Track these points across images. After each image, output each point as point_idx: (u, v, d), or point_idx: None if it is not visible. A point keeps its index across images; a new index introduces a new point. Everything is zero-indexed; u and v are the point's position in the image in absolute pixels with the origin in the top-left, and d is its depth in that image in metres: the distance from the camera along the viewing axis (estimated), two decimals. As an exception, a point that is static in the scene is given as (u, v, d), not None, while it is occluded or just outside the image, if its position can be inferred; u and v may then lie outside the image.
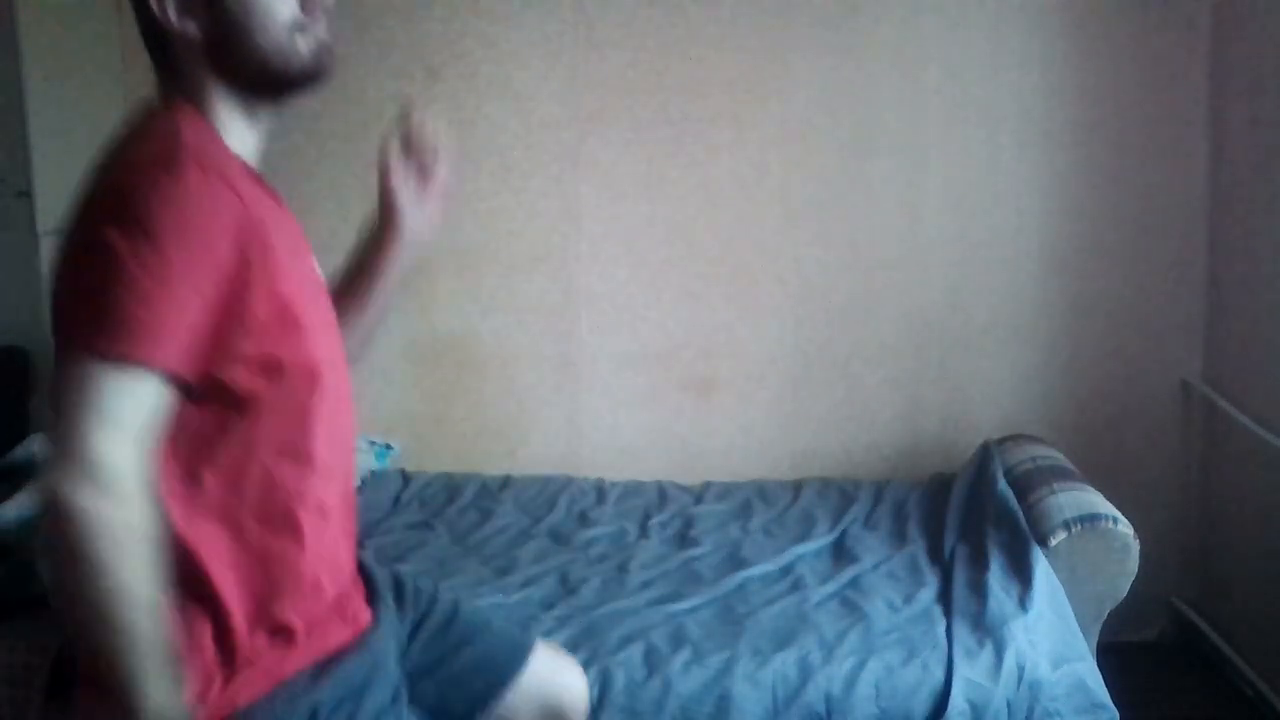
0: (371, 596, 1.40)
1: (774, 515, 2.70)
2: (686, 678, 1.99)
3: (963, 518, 2.54)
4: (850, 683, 1.98)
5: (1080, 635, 2.13)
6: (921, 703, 1.97)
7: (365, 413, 2.92)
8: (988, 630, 2.06)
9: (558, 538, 2.60)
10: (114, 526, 1.04)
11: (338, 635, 1.31)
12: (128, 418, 1.06)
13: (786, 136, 2.91)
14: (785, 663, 2.01)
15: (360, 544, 2.55)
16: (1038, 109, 2.87)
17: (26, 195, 2.66)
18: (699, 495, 2.83)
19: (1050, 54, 2.85)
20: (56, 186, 2.63)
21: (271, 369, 1.18)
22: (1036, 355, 2.95)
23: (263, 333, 1.15)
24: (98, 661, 1.08)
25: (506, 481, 2.90)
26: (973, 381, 2.96)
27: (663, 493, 2.84)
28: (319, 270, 1.36)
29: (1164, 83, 2.84)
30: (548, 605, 2.24)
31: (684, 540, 2.57)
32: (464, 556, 2.49)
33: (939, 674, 1.99)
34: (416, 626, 1.47)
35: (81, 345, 1.06)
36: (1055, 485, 2.43)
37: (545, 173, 2.93)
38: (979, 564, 2.29)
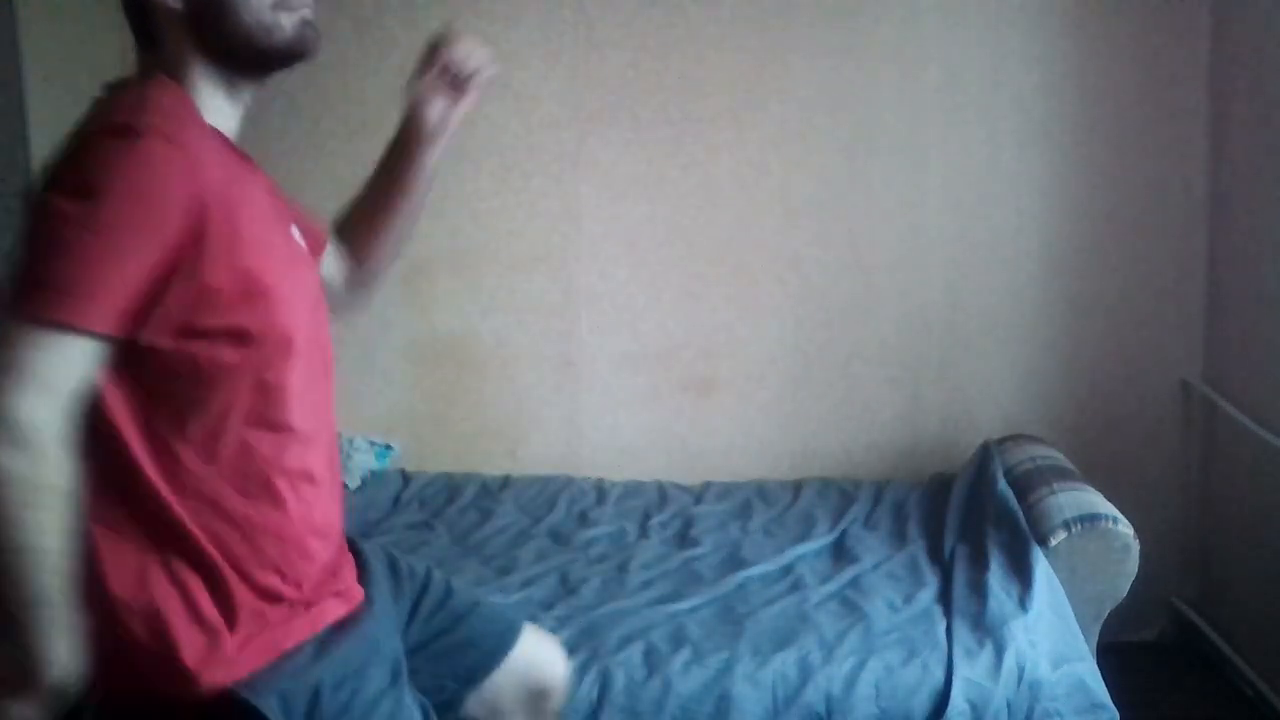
0: (364, 574, 1.42)
1: (774, 515, 2.70)
2: (686, 678, 1.99)
3: (963, 518, 2.54)
4: (850, 683, 1.98)
5: (1080, 635, 2.13)
6: (921, 703, 1.97)
7: (365, 413, 2.96)
8: (988, 630, 2.06)
9: (558, 538, 2.60)
10: (26, 483, 1.07)
11: (334, 610, 1.33)
12: (52, 378, 1.09)
13: (786, 136, 2.91)
14: (785, 663, 2.01)
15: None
16: (1038, 109, 2.87)
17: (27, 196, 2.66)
18: (699, 495, 2.83)
19: (1050, 54, 2.85)
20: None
21: (239, 340, 1.19)
22: (1036, 355, 2.95)
23: (226, 304, 1.17)
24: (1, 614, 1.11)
25: (506, 481, 2.90)
26: (973, 381, 2.96)
27: (663, 493, 2.84)
28: (298, 240, 1.36)
29: (1164, 83, 2.84)
30: (548, 605, 2.24)
31: (684, 540, 2.57)
32: (464, 556, 2.49)
33: (939, 674, 1.99)
34: (414, 606, 1.49)
35: (14, 308, 1.09)
36: (1055, 485, 2.43)
37: (545, 173, 2.93)
38: (979, 564, 2.29)
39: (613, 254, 2.96)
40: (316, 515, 1.32)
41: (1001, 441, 2.74)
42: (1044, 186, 2.89)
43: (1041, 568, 2.21)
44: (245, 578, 1.24)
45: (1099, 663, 2.09)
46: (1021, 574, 2.21)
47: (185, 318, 1.15)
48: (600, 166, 2.92)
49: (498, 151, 2.91)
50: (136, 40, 1.26)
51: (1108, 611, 2.31)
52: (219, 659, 1.21)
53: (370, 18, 2.88)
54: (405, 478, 2.92)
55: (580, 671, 2.00)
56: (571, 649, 2.05)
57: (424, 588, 1.52)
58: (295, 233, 1.36)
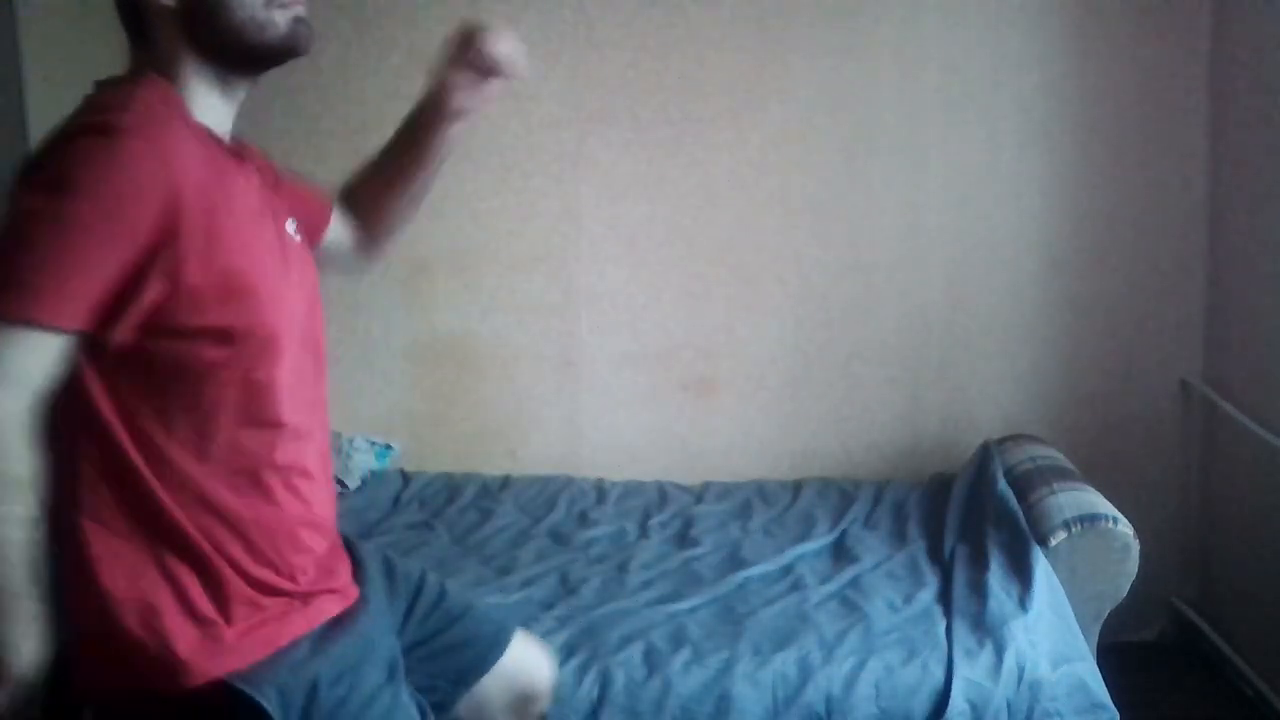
0: (359, 574, 1.43)
1: (774, 515, 2.70)
2: (686, 678, 1.99)
3: (963, 518, 2.54)
4: (850, 683, 1.98)
5: (1080, 635, 2.13)
6: (921, 703, 1.97)
7: (365, 413, 2.96)
8: (988, 630, 2.06)
9: (558, 538, 2.60)
10: None
11: (330, 607, 1.34)
12: (17, 373, 1.10)
13: (786, 136, 2.91)
14: (785, 663, 2.01)
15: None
16: (1038, 109, 2.87)
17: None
18: (699, 495, 2.83)
19: (1050, 54, 2.85)
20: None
21: (222, 339, 1.20)
22: (1036, 355, 2.95)
23: (206, 304, 1.17)
24: None
25: (506, 481, 2.90)
26: (973, 381, 2.96)
27: (663, 493, 2.84)
28: (293, 236, 1.36)
29: (1164, 83, 2.84)
30: (548, 605, 2.24)
31: (684, 540, 2.57)
32: (464, 556, 2.49)
33: (939, 674, 1.99)
34: (409, 607, 1.50)
35: None
36: (1055, 485, 2.43)
37: (545, 173, 2.93)
38: (979, 564, 2.29)
39: (613, 254, 2.96)
40: (311, 509, 1.33)
41: (1001, 441, 2.74)
42: (1044, 186, 2.89)
43: (1041, 568, 2.21)
44: (239, 571, 1.24)
45: (1099, 663, 2.09)
46: (1021, 574, 2.21)
47: (165, 317, 1.15)
48: (600, 166, 2.92)
49: (498, 151, 2.91)
50: (129, 38, 1.26)
51: (1108, 611, 2.31)
52: (214, 652, 1.22)
53: (370, 18, 2.88)
54: (405, 478, 2.92)
55: (580, 671, 2.00)
56: (571, 649, 2.05)
57: (419, 589, 1.52)
58: (291, 227, 1.36)
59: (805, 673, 1.99)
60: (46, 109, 2.70)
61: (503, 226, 2.95)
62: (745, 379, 2.99)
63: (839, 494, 2.79)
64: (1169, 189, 2.87)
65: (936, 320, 2.95)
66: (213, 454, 1.23)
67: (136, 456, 1.19)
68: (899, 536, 2.54)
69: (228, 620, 1.23)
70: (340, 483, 2.78)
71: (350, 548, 1.46)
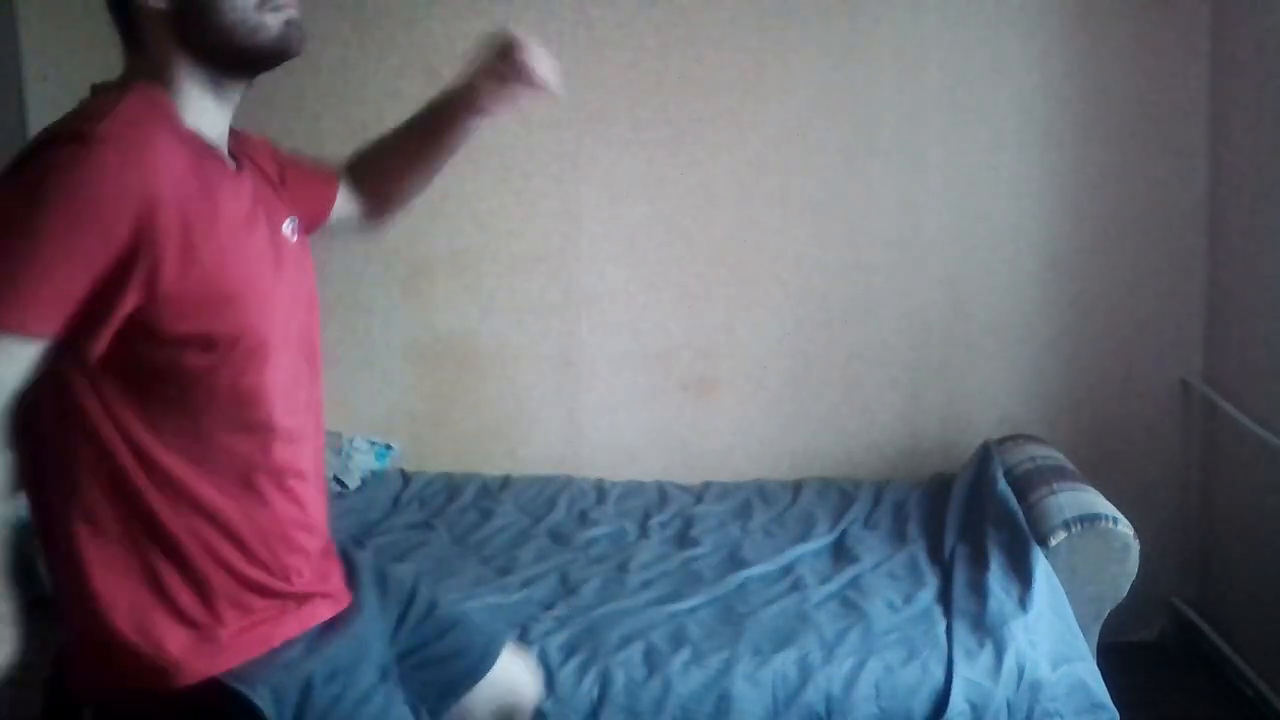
0: (352, 580, 1.44)
1: (774, 515, 2.70)
2: (686, 678, 1.99)
3: (963, 518, 2.54)
4: (850, 683, 1.98)
5: (1080, 635, 2.13)
6: (921, 703, 1.97)
7: (365, 413, 2.96)
8: (988, 630, 2.06)
9: (558, 538, 2.60)
10: None
11: (324, 610, 1.35)
12: None
13: (786, 136, 2.91)
14: (785, 663, 2.01)
15: (360, 544, 2.57)
16: (1038, 109, 2.87)
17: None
18: (699, 495, 2.83)
19: (1050, 54, 2.85)
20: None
21: (207, 346, 1.20)
22: (1036, 355, 2.95)
23: (188, 312, 1.17)
24: None
25: (506, 481, 2.90)
26: (973, 381, 2.96)
27: (663, 493, 2.84)
28: (289, 237, 1.36)
29: (1164, 83, 2.84)
30: (548, 605, 2.24)
31: (684, 540, 2.57)
32: (464, 556, 2.49)
33: (939, 674, 1.99)
34: (401, 616, 1.51)
35: None
36: (1055, 485, 2.43)
37: (545, 173, 2.93)
38: (979, 564, 2.29)
39: (613, 254, 2.96)
40: (305, 511, 1.34)
41: (1001, 441, 2.74)
42: (1044, 186, 2.89)
43: (1041, 568, 2.22)
44: (233, 573, 1.25)
45: (1099, 663, 2.09)
46: (1021, 574, 2.21)
47: (147, 325, 1.15)
48: (600, 166, 2.92)
49: (498, 151, 2.91)
50: (123, 42, 1.26)
51: (1108, 611, 2.31)
52: (207, 652, 1.22)
53: (370, 18, 2.88)
54: (405, 478, 2.92)
55: (580, 671, 2.00)
56: (571, 649, 2.05)
57: (410, 599, 1.53)
58: (289, 227, 1.36)
59: (805, 673, 1.99)
60: (46, 109, 2.70)
61: (503, 226, 2.95)
62: (745, 379, 2.99)
63: (839, 494, 2.79)
64: (1169, 189, 2.87)
65: (936, 320, 2.95)
66: (205, 458, 1.23)
67: (129, 461, 1.19)
68: (899, 536, 2.54)
69: (221, 621, 1.24)
70: (340, 483, 2.78)
71: (344, 554, 1.47)
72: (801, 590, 2.29)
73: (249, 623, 1.26)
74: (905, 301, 2.94)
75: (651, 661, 2.03)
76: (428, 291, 2.98)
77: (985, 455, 2.67)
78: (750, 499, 2.79)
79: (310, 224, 1.50)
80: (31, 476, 1.23)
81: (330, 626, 1.34)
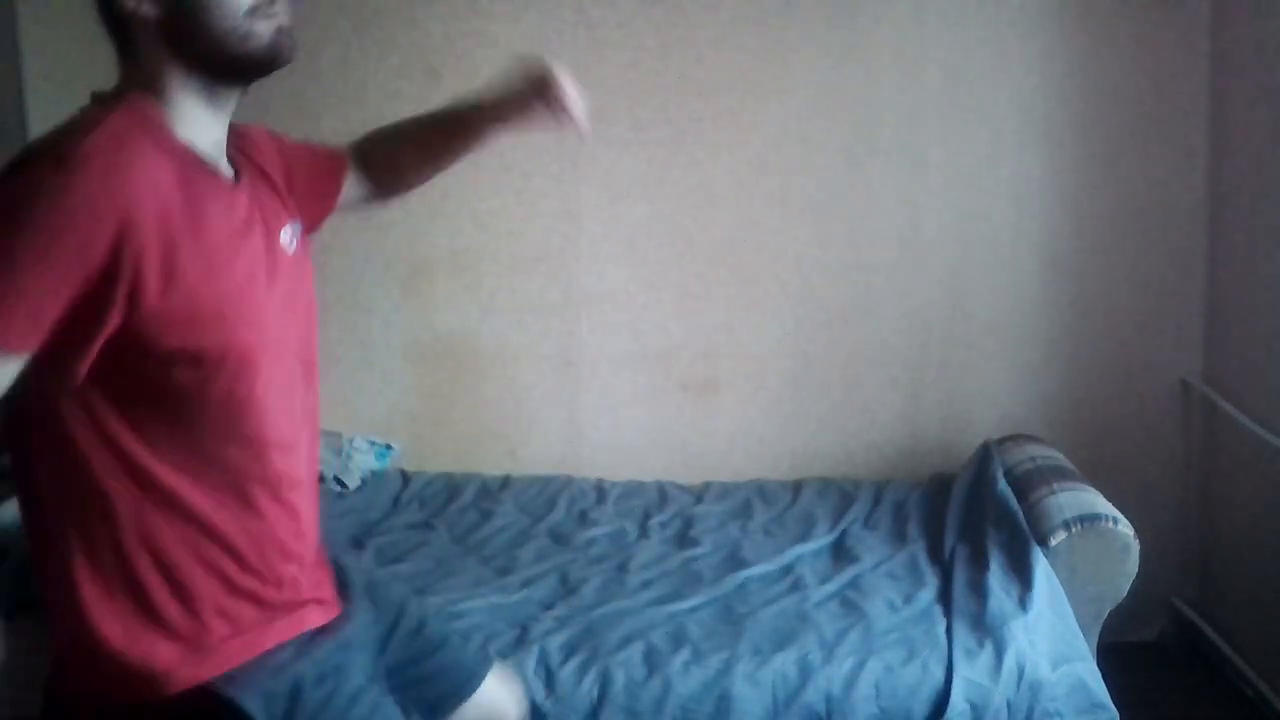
0: (344, 591, 1.45)
1: (774, 515, 2.70)
2: (686, 678, 1.99)
3: (963, 518, 2.54)
4: (850, 683, 1.98)
5: (1080, 635, 2.13)
6: (921, 703, 1.97)
7: (365, 413, 2.96)
8: (988, 630, 2.06)
9: (558, 538, 2.60)
10: None
11: (314, 618, 1.35)
12: None
13: (786, 136, 2.91)
14: (785, 663, 2.01)
15: (360, 544, 2.57)
16: (1038, 109, 2.87)
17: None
18: (699, 495, 2.83)
19: (1050, 54, 2.85)
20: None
21: (194, 362, 1.19)
22: (1036, 355, 2.95)
23: (172, 328, 1.16)
24: None
25: (506, 481, 2.89)
26: (973, 381, 2.96)
27: (663, 493, 2.84)
28: (286, 247, 1.35)
29: (1164, 82, 2.84)
30: (548, 605, 2.24)
31: (684, 540, 2.57)
32: (464, 556, 2.49)
33: (939, 674, 1.99)
34: (390, 632, 1.51)
35: None
36: (1055, 485, 2.43)
37: (545, 173, 2.93)
38: (979, 564, 2.29)
39: (613, 254, 2.96)
40: (299, 519, 1.34)
41: (1001, 441, 2.74)
42: (1044, 186, 2.89)
43: (1041, 568, 2.22)
44: (226, 583, 1.26)
45: (1099, 663, 2.09)
46: (1021, 574, 2.21)
47: (133, 342, 1.15)
48: (600, 166, 2.92)
49: (498, 151, 2.86)
50: (116, 51, 1.26)
51: (1108, 611, 2.31)
52: (197, 661, 1.23)
53: (370, 18, 2.88)
54: (405, 478, 2.92)
55: (580, 671, 2.00)
56: (571, 649, 2.05)
57: (399, 614, 1.53)
58: (287, 235, 1.35)
59: (805, 673, 1.99)
60: (46, 109, 2.70)
61: (503, 226, 2.95)
62: (745, 379, 2.99)
63: (839, 494, 2.79)
64: (1169, 189, 2.87)
65: (936, 320, 2.95)
66: (198, 469, 1.23)
67: (121, 474, 1.20)
68: (899, 536, 2.54)
69: (212, 630, 1.25)
70: (340, 483, 2.78)
71: (335, 562, 1.48)
72: (801, 590, 2.29)
73: (241, 629, 1.27)
74: (905, 301, 2.94)
75: (651, 661, 2.03)
76: (428, 291, 2.98)
77: (985, 455, 2.67)
78: (750, 499, 2.79)
79: (319, 211, 1.51)
80: (24, 486, 1.24)
81: (320, 632, 1.35)
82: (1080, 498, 2.37)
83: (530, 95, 1.51)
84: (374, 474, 2.87)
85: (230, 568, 1.26)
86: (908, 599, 2.23)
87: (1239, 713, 2.60)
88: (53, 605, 1.23)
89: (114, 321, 1.13)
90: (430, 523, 2.68)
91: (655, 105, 2.89)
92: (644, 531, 2.63)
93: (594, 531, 2.62)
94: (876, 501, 2.73)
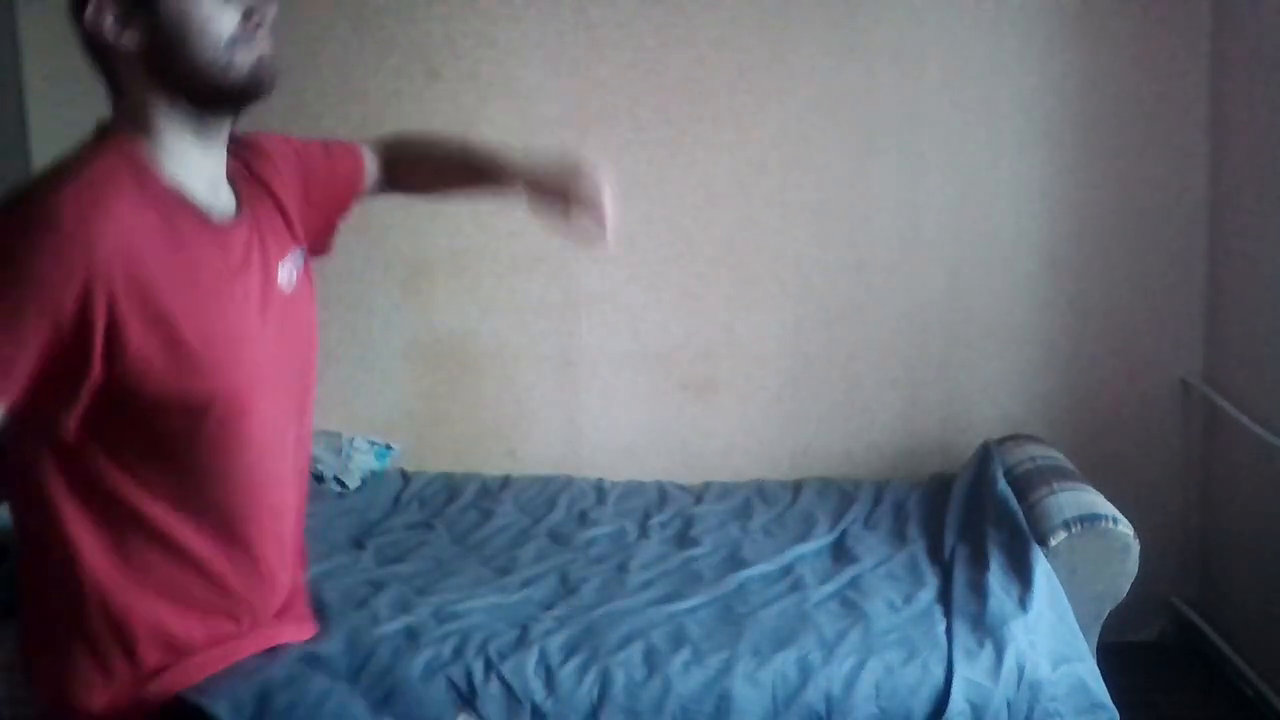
0: (321, 618, 1.51)
1: (774, 515, 2.69)
2: (686, 678, 1.99)
3: (963, 518, 2.54)
4: (850, 683, 1.98)
5: (1080, 635, 2.13)
6: (921, 703, 1.97)
7: (365, 413, 2.96)
8: (988, 630, 2.06)
9: (558, 538, 2.60)
10: None
11: (289, 634, 1.38)
12: None
13: (786, 136, 2.91)
14: (785, 663, 2.01)
15: (360, 544, 2.57)
16: (1038, 109, 2.87)
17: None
18: (699, 495, 2.83)
19: (1050, 54, 2.85)
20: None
21: (184, 404, 1.19)
22: (1036, 355, 2.95)
23: (155, 377, 1.16)
24: None
25: (506, 481, 2.89)
26: (973, 381, 2.96)
27: (663, 493, 2.84)
28: (284, 283, 1.35)
29: (1164, 83, 2.84)
30: (548, 605, 2.24)
31: (684, 540, 2.57)
32: (464, 556, 2.49)
33: (939, 674, 1.99)
34: (359, 670, 1.52)
35: None
36: (1055, 485, 2.43)
37: (545, 173, 2.92)
38: (979, 564, 2.29)
39: (613, 254, 2.95)
40: (284, 546, 1.37)
41: (1001, 441, 2.74)
42: (1044, 186, 2.89)
43: (1041, 568, 2.21)
44: (204, 611, 1.28)
45: (1099, 663, 2.09)
46: (1021, 574, 2.21)
47: (120, 387, 1.15)
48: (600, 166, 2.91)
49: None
50: (105, 86, 1.25)
51: (1108, 611, 2.31)
52: (176, 674, 1.26)
53: (370, 18, 2.88)
54: (405, 478, 2.92)
55: (580, 671, 2.00)
56: (571, 649, 2.05)
57: (370, 654, 1.55)
58: (286, 271, 1.34)
59: (805, 673, 1.99)
60: (46, 109, 2.70)
61: (503, 226, 2.94)
62: (745, 379, 2.99)
63: (839, 494, 2.79)
64: (1169, 189, 2.87)
65: (936, 320, 2.95)
66: (186, 506, 1.24)
67: (100, 520, 1.20)
68: (899, 536, 2.54)
69: (191, 653, 1.27)
70: (340, 482, 2.78)
71: (313, 594, 1.52)
72: (801, 590, 2.29)
73: (214, 643, 1.29)
74: (905, 301, 2.94)
75: (651, 661, 2.03)
76: (428, 291, 2.97)
77: (985, 455, 2.67)
78: (750, 499, 2.79)
79: (335, 215, 1.53)
80: (16, 519, 1.25)
81: (289, 642, 1.38)
82: (1080, 498, 2.37)
83: (564, 184, 1.55)
84: (374, 474, 2.87)
85: (212, 596, 1.28)
86: (908, 599, 2.23)
87: (1239, 713, 2.60)
88: (30, 634, 1.26)
89: (97, 371, 1.13)
90: (430, 523, 2.68)
91: (655, 105, 2.89)
92: (644, 531, 2.63)
93: (594, 531, 2.62)
94: (876, 501, 2.73)
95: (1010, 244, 2.91)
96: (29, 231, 1.10)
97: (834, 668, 2.00)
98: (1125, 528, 2.28)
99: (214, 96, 1.23)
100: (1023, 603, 2.13)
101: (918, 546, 2.47)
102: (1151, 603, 2.84)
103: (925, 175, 2.90)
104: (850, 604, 2.21)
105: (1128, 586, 2.29)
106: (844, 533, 2.58)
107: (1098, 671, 2.04)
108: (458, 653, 2.02)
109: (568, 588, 2.33)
